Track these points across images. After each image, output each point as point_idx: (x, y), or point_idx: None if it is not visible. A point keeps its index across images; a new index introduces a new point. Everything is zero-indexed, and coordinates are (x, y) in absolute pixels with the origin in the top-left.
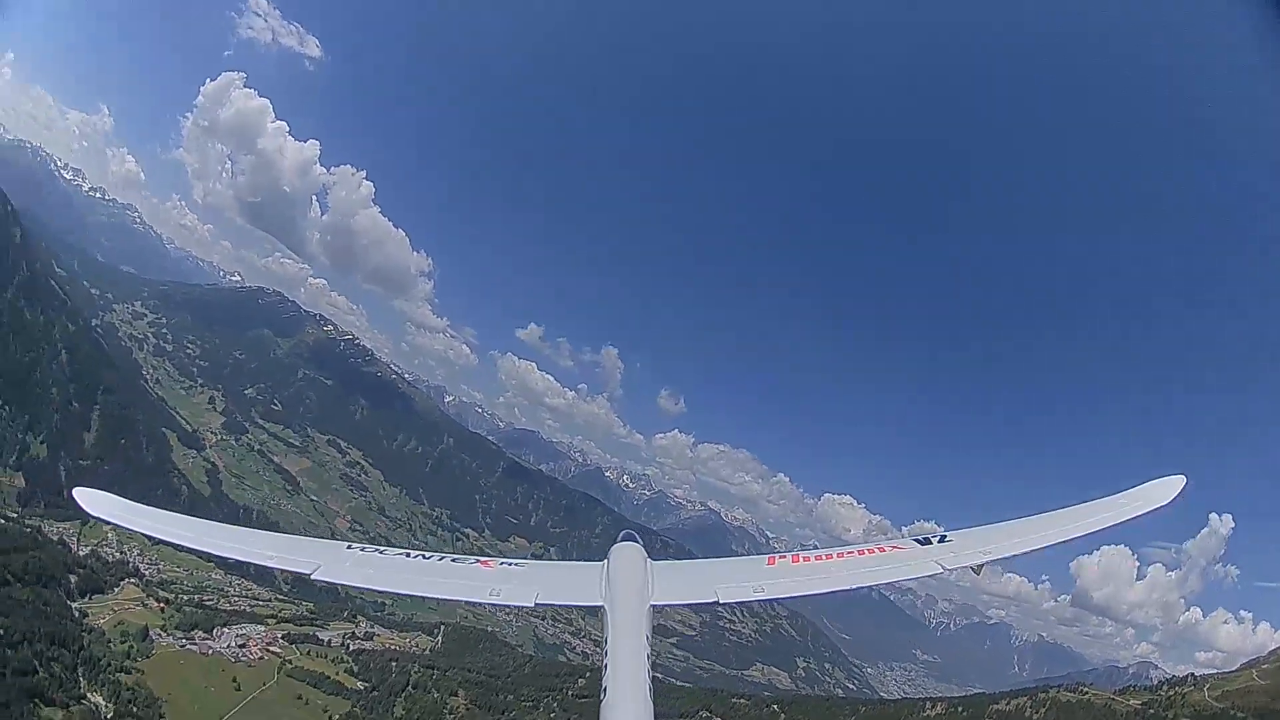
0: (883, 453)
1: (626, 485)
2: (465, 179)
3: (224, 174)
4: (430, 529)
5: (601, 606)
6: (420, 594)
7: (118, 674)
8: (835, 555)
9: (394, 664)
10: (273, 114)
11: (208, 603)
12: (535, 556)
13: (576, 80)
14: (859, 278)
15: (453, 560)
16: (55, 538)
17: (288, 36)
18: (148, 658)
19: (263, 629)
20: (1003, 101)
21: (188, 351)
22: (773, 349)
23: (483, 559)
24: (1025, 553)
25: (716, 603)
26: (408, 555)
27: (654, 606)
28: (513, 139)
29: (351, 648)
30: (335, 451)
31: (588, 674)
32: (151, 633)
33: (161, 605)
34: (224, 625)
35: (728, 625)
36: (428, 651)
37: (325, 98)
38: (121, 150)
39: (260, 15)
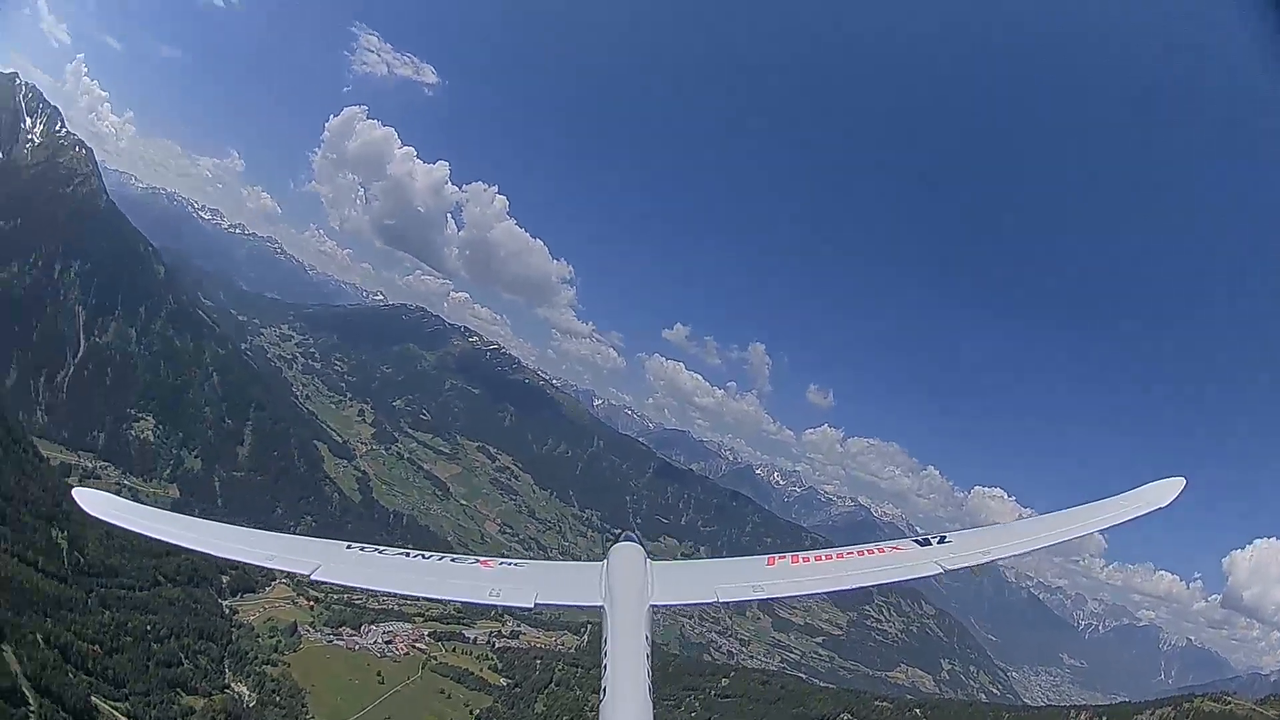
0: (1033, 443)
1: (777, 482)
2: (599, 185)
3: (358, 201)
4: (580, 530)
5: (601, 606)
6: (420, 594)
7: (263, 666)
8: (835, 555)
9: (538, 661)
10: (398, 140)
11: (356, 602)
12: (685, 556)
13: (713, 77)
14: (1010, 266)
15: (452, 560)
16: None
17: (402, 67)
18: (294, 651)
19: (409, 627)
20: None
21: (336, 368)
22: (921, 339)
23: (482, 559)
24: (1025, 553)
25: (717, 603)
26: (407, 555)
27: (654, 607)
28: (644, 141)
29: (497, 645)
30: (485, 457)
31: (731, 673)
32: (299, 629)
33: (311, 604)
34: (372, 623)
35: (874, 625)
36: (573, 649)
37: (448, 120)
38: (256, 188)
39: (373, 51)
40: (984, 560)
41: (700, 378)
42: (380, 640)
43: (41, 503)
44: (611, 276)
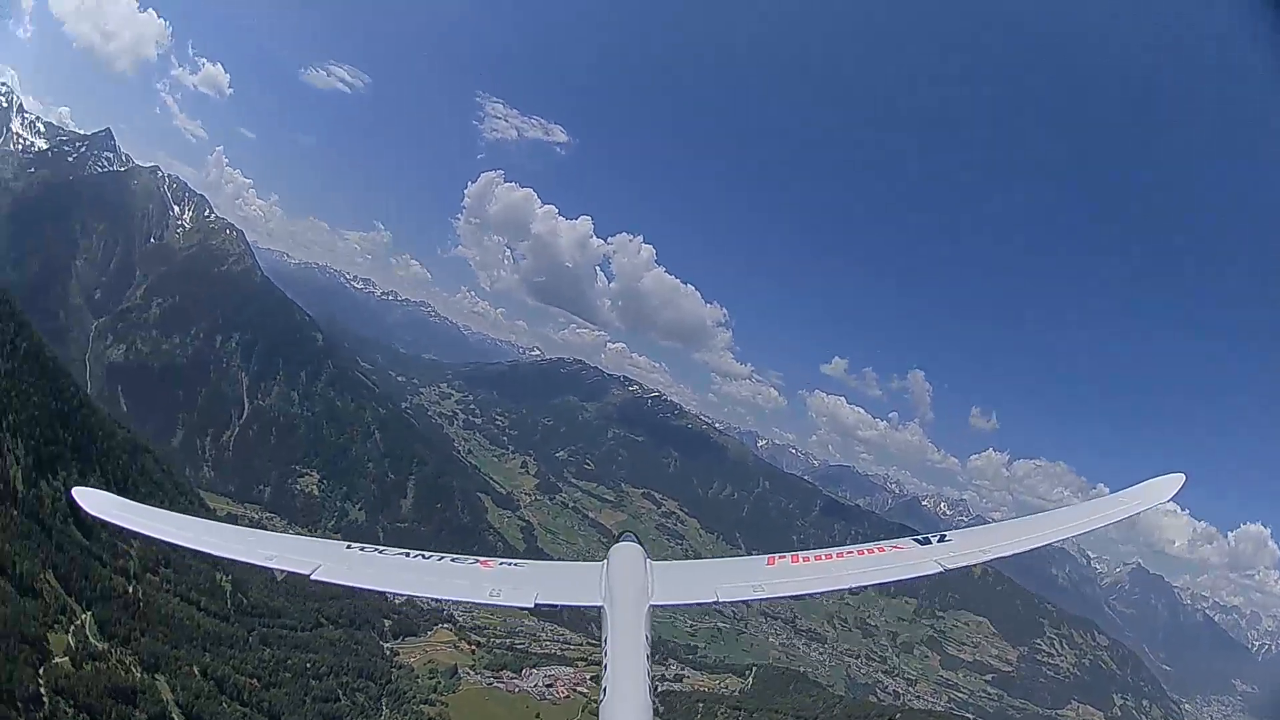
0: (1209, 458)
1: (944, 513)
2: (745, 226)
3: (505, 261)
4: None
5: (601, 606)
6: (420, 594)
7: (420, 706)
8: (835, 555)
9: (700, 705)
10: (538, 200)
11: (519, 646)
12: (852, 593)
13: (852, 105)
14: (1171, 272)
15: (452, 560)
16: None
17: (532, 130)
18: (453, 693)
19: (571, 670)
20: None
21: (497, 423)
22: (1082, 350)
23: (482, 559)
24: (1025, 551)
25: (717, 602)
26: (407, 555)
27: (654, 606)
28: (785, 178)
29: (659, 689)
30: (650, 503)
31: (898, 715)
32: (459, 671)
33: (473, 647)
34: (533, 666)
35: (1046, 660)
36: (736, 693)
37: (584, 175)
38: (404, 257)
39: (500, 117)
40: (984, 559)
41: (862, 410)
42: (541, 684)
43: None
44: (767, 315)
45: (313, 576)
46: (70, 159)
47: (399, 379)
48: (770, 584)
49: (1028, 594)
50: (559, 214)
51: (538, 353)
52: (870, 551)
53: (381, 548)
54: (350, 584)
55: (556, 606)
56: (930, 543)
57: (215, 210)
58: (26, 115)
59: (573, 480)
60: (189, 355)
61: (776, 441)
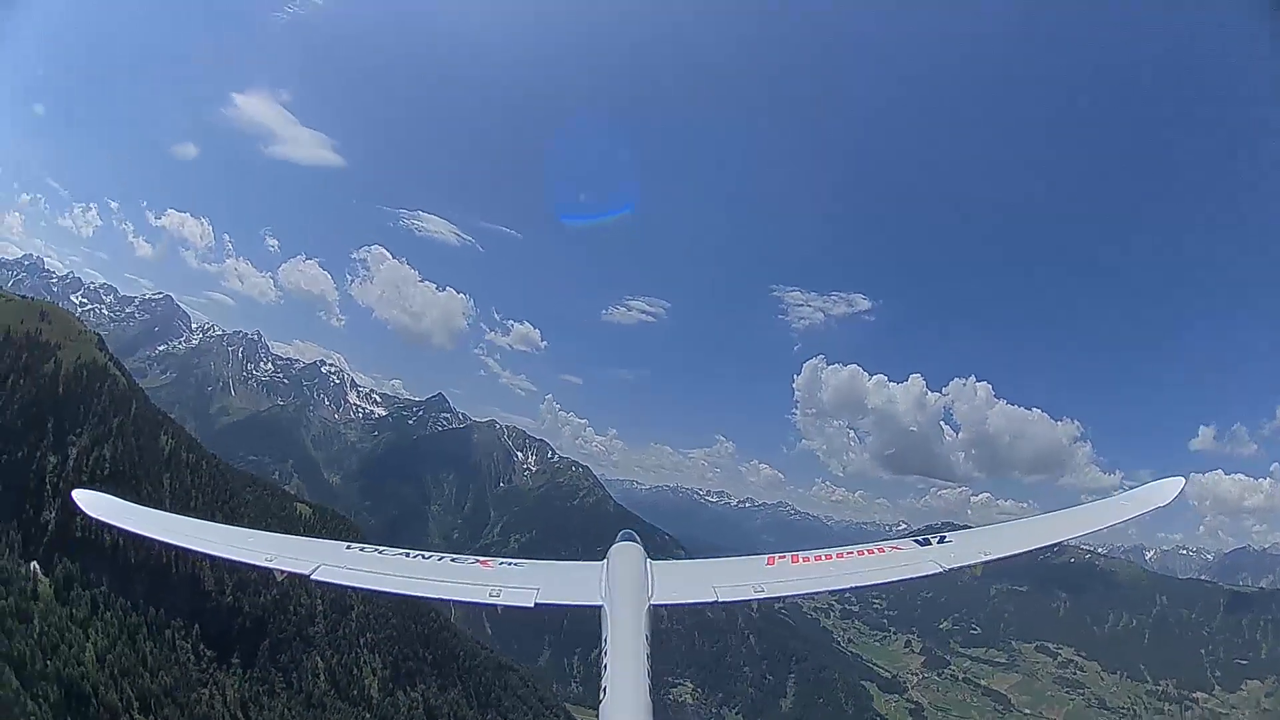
0: None
1: None
2: (1078, 332)
3: (851, 443)
4: (1157, 706)
5: (601, 606)
6: (420, 595)
7: None
8: (834, 555)
9: None
10: (864, 374)
11: None
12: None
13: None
14: None
15: (452, 560)
16: None
17: (835, 306)
18: None
19: None
20: None
21: (875, 606)
22: None
23: (482, 559)
24: (1024, 552)
25: (716, 602)
26: (407, 555)
27: (654, 606)
28: (1101, 264)
29: None
30: (1045, 656)
31: None
32: None
33: None
34: None
35: None
36: None
37: (899, 338)
38: (753, 463)
39: (801, 304)
40: (983, 560)
41: (1242, 477)
42: None
43: None
44: (1122, 409)
45: (313, 577)
46: (410, 421)
47: None
48: (770, 584)
49: None
50: (889, 380)
51: (904, 526)
52: (870, 552)
53: (381, 548)
54: (350, 585)
55: (556, 607)
56: (930, 543)
57: (558, 451)
58: (360, 389)
59: (960, 650)
60: None
61: (1164, 547)
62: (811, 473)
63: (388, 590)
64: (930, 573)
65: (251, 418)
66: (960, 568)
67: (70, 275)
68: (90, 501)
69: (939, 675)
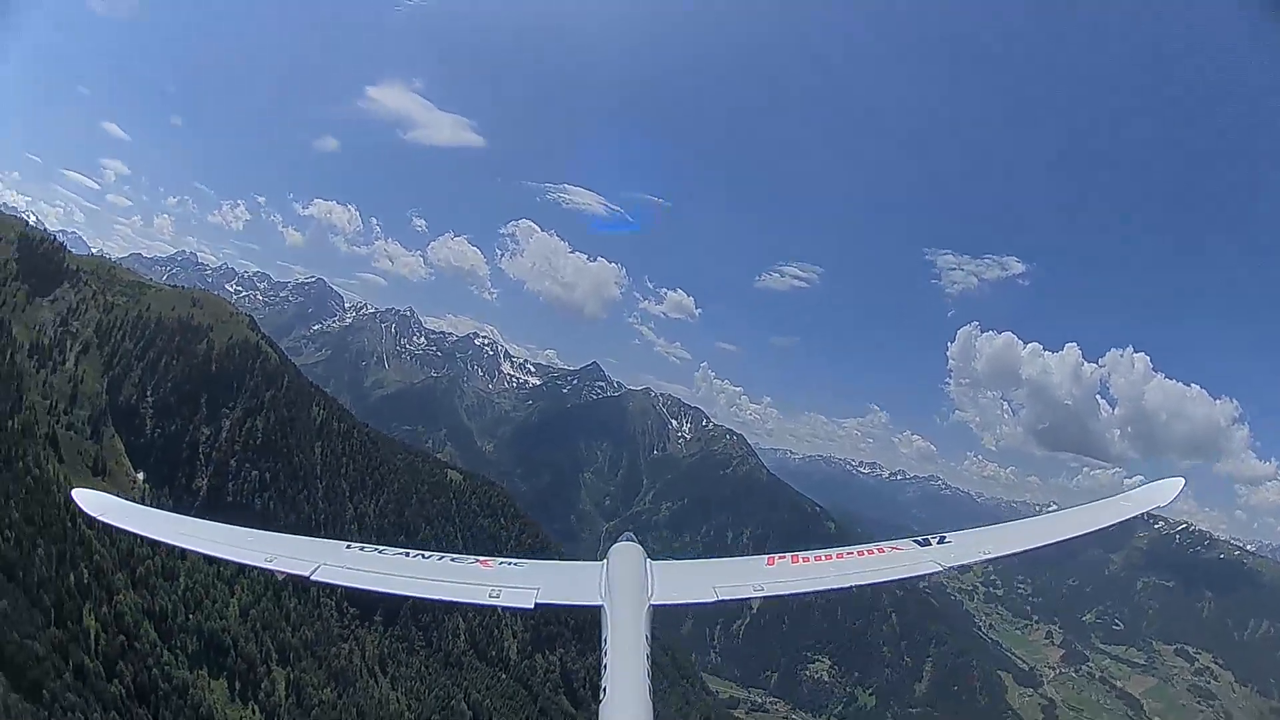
0: None
1: None
2: (1235, 303)
3: (1004, 416)
4: None
5: (601, 606)
6: (419, 595)
7: None
8: (834, 555)
9: None
10: (1019, 342)
11: None
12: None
13: None
14: None
15: (452, 560)
16: None
17: (988, 270)
18: None
19: None
20: None
21: (1020, 591)
22: None
23: (482, 559)
24: (1023, 551)
25: (716, 602)
26: (407, 555)
27: (654, 606)
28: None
29: None
30: (1183, 661)
31: None
32: None
33: None
34: None
35: None
36: None
37: (1048, 302)
38: (905, 434)
39: (954, 268)
40: (982, 559)
41: None
42: None
43: None
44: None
45: (312, 578)
46: (564, 390)
47: None
48: (770, 583)
49: None
50: (1043, 349)
51: (1055, 507)
52: (870, 552)
53: (381, 548)
54: (350, 585)
55: (556, 607)
56: (930, 544)
57: (712, 419)
58: (514, 359)
59: (1100, 646)
60: (699, 551)
61: None
62: (964, 445)
63: (388, 591)
64: (930, 572)
65: (405, 390)
66: (960, 567)
67: (224, 266)
68: (90, 501)
69: (1076, 672)
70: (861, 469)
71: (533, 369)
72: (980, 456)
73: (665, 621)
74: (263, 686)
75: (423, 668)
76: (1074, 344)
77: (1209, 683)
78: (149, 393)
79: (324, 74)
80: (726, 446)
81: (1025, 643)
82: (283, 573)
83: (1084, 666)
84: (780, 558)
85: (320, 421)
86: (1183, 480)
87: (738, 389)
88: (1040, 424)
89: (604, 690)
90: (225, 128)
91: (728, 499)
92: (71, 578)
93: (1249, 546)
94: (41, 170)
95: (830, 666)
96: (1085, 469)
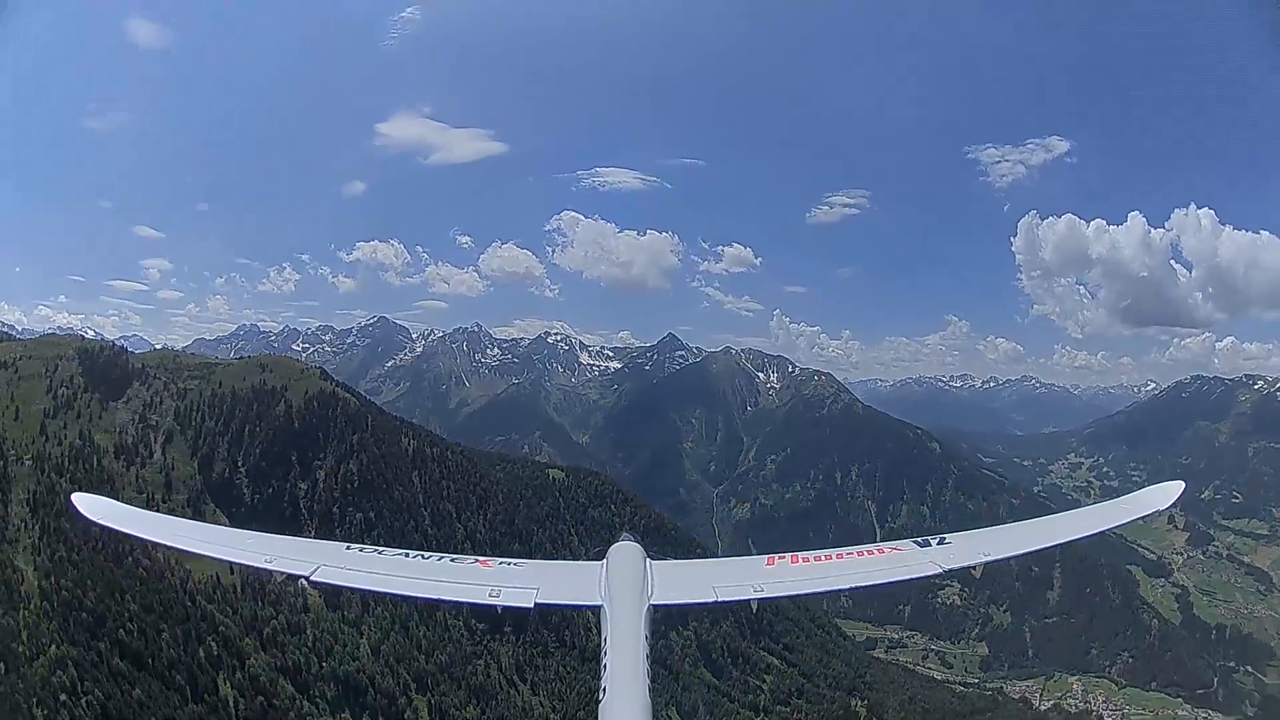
0: None
1: None
2: None
3: (1084, 300)
4: None
5: (601, 606)
6: (420, 595)
7: None
8: (834, 556)
9: None
10: (1080, 221)
11: None
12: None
13: None
14: None
15: (451, 560)
16: (1017, 695)
17: (1034, 155)
18: None
19: None
20: None
21: (1134, 479)
22: None
23: (482, 559)
24: (1024, 554)
25: (716, 602)
26: (407, 555)
27: (654, 606)
28: None
29: None
30: None
31: None
32: None
33: None
34: None
35: None
36: None
37: (1104, 174)
38: (990, 339)
39: (999, 160)
40: (983, 561)
41: None
42: None
43: (843, 676)
44: None
45: (312, 578)
46: (646, 367)
47: (1024, 464)
48: (770, 584)
49: None
50: (1107, 224)
51: (1152, 385)
52: (870, 553)
53: (381, 548)
54: (350, 585)
55: (557, 607)
56: (930, 545)
57: (797, 364)
58: (590, 349)
59: (1222, 522)
60: (811, 499)
61: None
62: (1050, 339)
63: (388, 591)
64: (930, 573)
65: (491, 403)
66: (960, 568)
67: (285, 329)
68: (89, 505)
69: (1204, 554)
70: (953, 384)
71: (610, 354)
72: (1068, 347)
73: None
74: (405, 717)
75: (560, 667)
76: (1136, 212)
77: None
78: (240, 463)
79: (332, 122)
80: (817, 388)
81: (1149, 531)
82: (282, 573)
83: (1210, 547)
84: (780, 557)
85: (413, 451)
86: (1182, 484)
87: (814, 328)
88: (1121, 302)
89: (604, 690)
90: (252, 199)
91: (829, 440)
92: (200, 652)
93: None
94: (86, 288)
95: (960, 590)
96: (1175, 340)
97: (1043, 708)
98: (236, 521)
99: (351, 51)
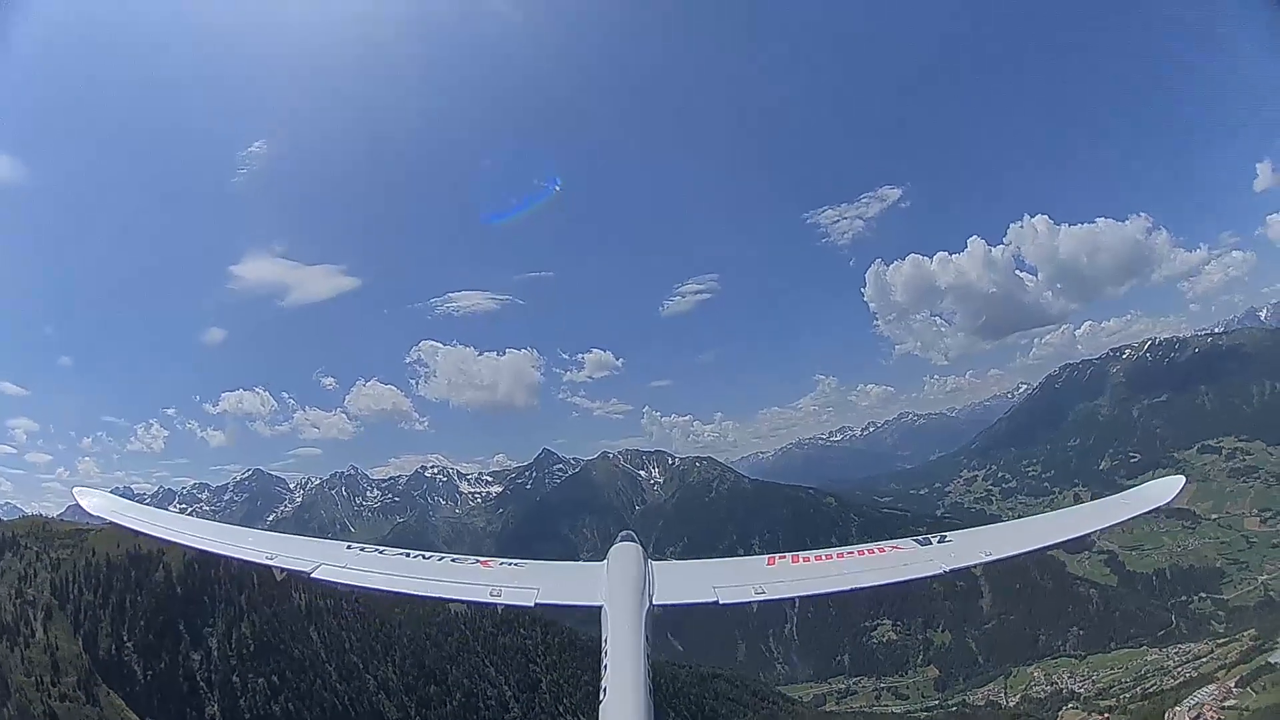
0: None
1: None
2: (1098, 129)
3: (940, 329)
4: None
5: (601, 606)
6: (420, 594)
7: None
8: (835, 556)
9: None
10: (924, 258)
11: (1150, 690)
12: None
13: None
14: None
15: (452, 560)
16: (982, 702)
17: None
18: None
19: (1213, 687)
20: None
21: (1030, 477)
22: None
23: (482, 559)
24: (1025, 552)
25: (716, 603)
26: (407, 555)
27: (654, 606)
28: None
29: None
30: (1210, 455)
31: None
32: None
33: (1105, 715)
34: (1175, 705)
35: None
36: None
37: (928, 210)
38: (861, 387)
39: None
40: (985, 560)
41: None
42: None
43: None
44: (1178, 187)
45: (312, 575)
46: (528, 486)
47: (921, 493)
48: (771, 585)
49: None
50: (950, 254)
51: (1025, 386)
52: (871, 552)
53: (381, 548)
54: (350, 584)
55: (557, 606)
56: (931, 543)
57: (676, 455)
58: (468, 477)
59: (1127, 482)
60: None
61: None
62: (918, 373)
63: (388, 590)
64: (933, 573)
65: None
66: (961, 568)
67: (159, 489)
68: (91, 500)
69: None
70: (834, 438)
71: (490, 479)
72: (936, 376)
73: (723, 655)
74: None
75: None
76: (974, 236)
77: (1243, 461)
78: (125, 638)
79: (186, 268)
80: (701, 473)
81: (1046, 510)
82: (282, 570)
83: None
84: (780, 557)
85: (305, 605)
86: (1182, 479)
87: (687, 417)
88: (977, 321)
89: (604, 690)
90: (113, 351)
91: (724, 521)
92: None
93: (1217, 329)
94: None
95: (894, 624)
96: (1036, 340)
97: (1010, 704)
98: (133, 703)
99: (203, 188)
